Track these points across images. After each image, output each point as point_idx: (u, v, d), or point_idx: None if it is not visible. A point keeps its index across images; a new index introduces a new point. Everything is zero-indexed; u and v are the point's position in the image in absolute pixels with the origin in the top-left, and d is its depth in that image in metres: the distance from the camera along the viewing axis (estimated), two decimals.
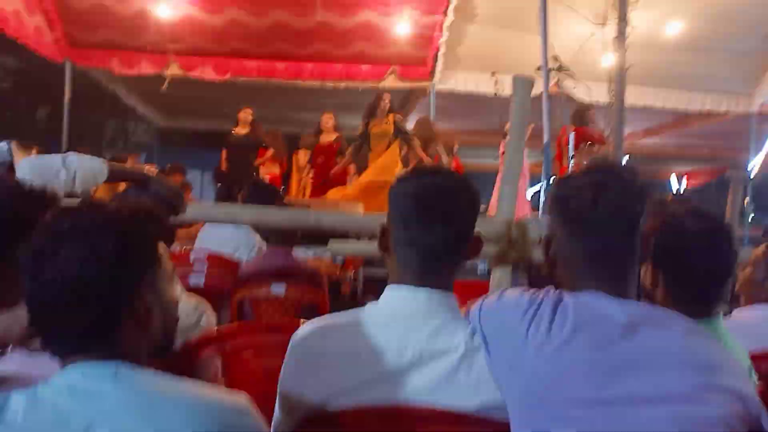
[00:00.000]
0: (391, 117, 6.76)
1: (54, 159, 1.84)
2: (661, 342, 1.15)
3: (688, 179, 15.98)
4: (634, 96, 7.80)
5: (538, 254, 2.41)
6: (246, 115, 7.40)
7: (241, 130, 7.54)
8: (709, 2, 6.65)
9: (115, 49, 8.03)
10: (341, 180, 7.21)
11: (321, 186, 7.25)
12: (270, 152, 7.87)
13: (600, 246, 1.25)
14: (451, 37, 7.64)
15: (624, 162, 5.03)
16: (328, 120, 7.45)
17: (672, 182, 16.11)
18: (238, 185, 6.96)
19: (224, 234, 3.90)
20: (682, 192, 11.68)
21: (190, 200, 5.97)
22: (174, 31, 7.70)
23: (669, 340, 1.15)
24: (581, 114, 6.45)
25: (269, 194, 3.67)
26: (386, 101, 6.81)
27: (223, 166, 7.51)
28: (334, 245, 3.00)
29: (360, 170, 6.96)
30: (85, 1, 7.37)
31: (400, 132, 6.67)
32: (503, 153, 8.16)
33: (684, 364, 1.12)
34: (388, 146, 6.65)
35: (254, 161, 7.72)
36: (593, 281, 1.24)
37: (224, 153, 7.66)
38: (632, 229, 1.25)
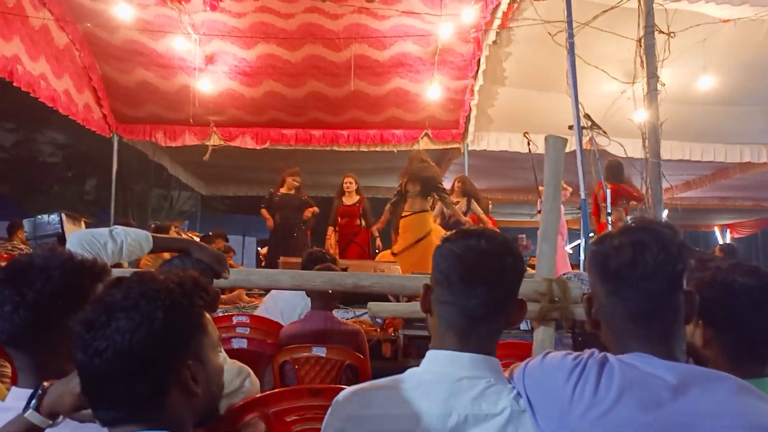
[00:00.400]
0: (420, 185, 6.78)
1: (101, 231, 1.91)
2: (713, 403, 1.10)
3: (732, 231, 15.58)
4: (669, 150, 7.76)
5: (580, 312, 2.36)
6: (293, 181, 7.47)
7: (287, 191, 7.53)
8: (738, 57, 6.65)
9: (160, 123, 8.39)
10: (363, 240, 7.42)
11: (346, 247, 7.41)
12: (314, 209, 7.66)
13: (641, 305, 1.22)
14: (482, 100, 7.77)
15: (664, 217, 4.95)
16: (350, 183, 7.57)
17: (716, 235, 15.72)
18: (286, 243, 7.15)
19: (286, 299, 3.99)
20: (727, 245, 11.38)
21: (232, 265, 6.09)
22: (215, 104, 8.03)
23: (720, 401, 1.11)
24: (615, 169, 6.41)
25: (324, 260, 3.70)
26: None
27: (270, 223, 7.49)
28: (374, 306, 3.00)
29: (395, 226, 7.00)
30: (130, 79, 7.78)
31: (434, 188, 6.70)
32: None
33: (736, 426, 1.07)
34: (421, 203, 6.69)
35: (301, 219, 7.58)
36: (637, 341, 1.21)
37: (265, 212, 7.59)
38: (674, 287, 1.22)
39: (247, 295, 5.86)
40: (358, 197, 7.60)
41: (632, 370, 1.16)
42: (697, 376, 1.16)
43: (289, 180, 7.45)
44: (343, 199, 7.57)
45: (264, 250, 8.83)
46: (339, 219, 7.54)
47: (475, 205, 7.13)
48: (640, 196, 5.97)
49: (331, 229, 7.58)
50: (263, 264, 8.12)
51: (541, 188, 8.13)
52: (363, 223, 7.50)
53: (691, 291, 1.25)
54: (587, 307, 1.32)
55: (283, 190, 7.47)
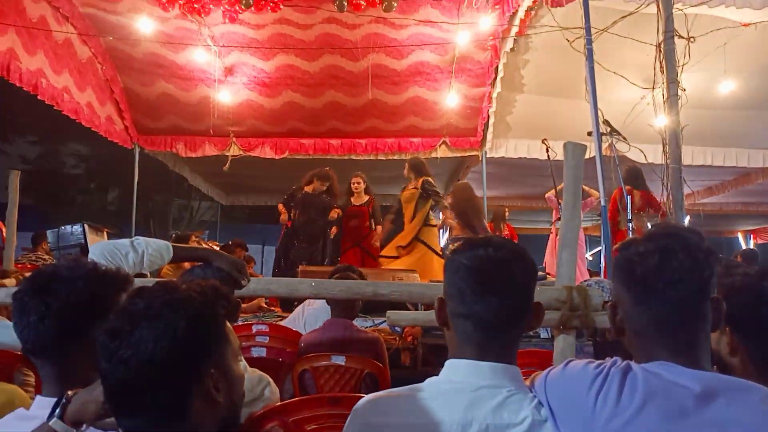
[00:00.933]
0: (419, 181, 6.82)
1: (123, 242, 1.94)
2: (738, 412, 1.09)
3: (755, 237, 15.33)
4: (691, 155, 7.68)
5: (601, 320, 2.34)
6: (321, 186, 7.11)
7: (312, 191, 7.17)
8: (759, 60, 6.56)
9: (181, 134, 8.49)
10: (372, 245, 7.15)
11: (352, 248, 7.18)
12: (338, 210, 7.25)
13: (668, 312, 1.20)
14: (500, 107, 7.75)
15: (686, 223, 4.90)
16: (358, 183, 7.33)
17: (739, 241, 15.49)
18: (310, 248, 6.87)
19: (311, 312, 4.04)
20: (749, 250, 11.20)
21: (253, 274, 6.12)
22: (235, 114, 8.11)
23: (746, 410, 1.09)
24: (638, 175, 6.35)
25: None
26: (407, 168, 6.98)
27: (284, 217, 7.13)
28: (393, 315, 2.99)
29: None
30: (152, 91, 7.89)
31: (428, 193, 6.71)
32: (557, 219, 8.09)
33: None
34: (416, 208, 6.73)
35: (326, 222, 7.17)
36: (663, 349, 1.19)
37: (282, 207, 7.27)
38: (701, 294, 1.20)
39: (265, 303, 5.88)
40: (367, 197, 7.35)
41: (656, 378, 1.15)
42: (723, 385, 1.14)
43: (316, 183, 7.10)
44: (352, 199, 7.33)
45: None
46: (347, 221, 7.27)
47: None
48: (661, 208, 5.92)
49: (336, 229, 7.23)
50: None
51: (551, 194, 8.18)
52: (373, 225, 7.26)
53: (718, 298, 1.23)
54: (612, 315, 1.31)
55: (308, 189, 7.13)
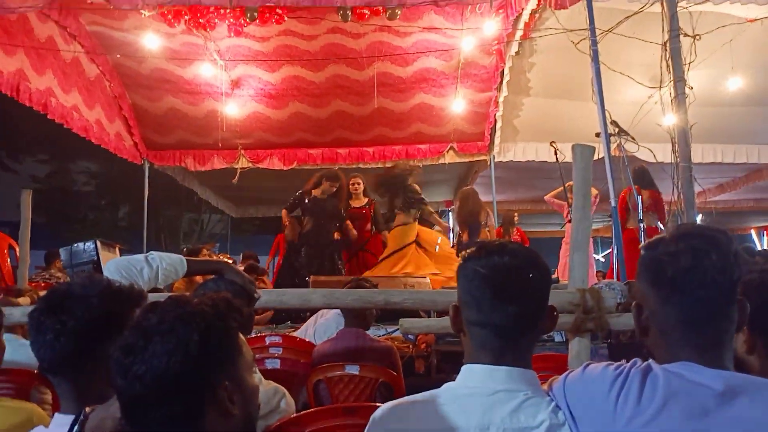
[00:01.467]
0: (396, 199, 6.73)
1: (137, 258, 1.95)
2: (761, 411, 1.08)
3: None
4: (700, 153, 7.63)
5: (615, 322, 2.33)
6: (330, 186, 6.60)
7: (320, 195, 6.65)
8: (765, 56, 6.53)
9: (189, 148, 8.56)
10: (376, 248, 6.91)
11: (353, 257, 6.93)
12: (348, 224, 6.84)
13: (697, 312, 1.19)
14: (507, 111, 7.75)
15: (698, 221, 4.86)
16: (357, 184, 6.97)
17: (752, 237, 15.36)
18: (319, 259, 6.38)
19: (321, 324, 4.04)
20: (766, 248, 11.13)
21: (266, 285, 6.11)
22: (242, 127, 8.16)
23: None
24: (642, 174, 6.31)
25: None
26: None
27: (288, 229, 6.71)
28: (405, 323, 2.99)
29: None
30: (159, 107, 7.95)
31: (412, 201, 6.62)
32: (569, 221, 8.06)
33: None
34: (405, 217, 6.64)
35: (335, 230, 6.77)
36: (688, 349, 1.19)
37: (286, 214, 6.79)
38: (730, 295, 1.20)
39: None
40: (366, 199, 7.00)
41: (677, 378, 1.14)
42: (745, 383, 1.13)
43: (325, 184, 6.57)
44: (350, 201, 6.92)
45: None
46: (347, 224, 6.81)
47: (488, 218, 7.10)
48: (663, 210, 5.90)
49: (337, 234, 6.83)
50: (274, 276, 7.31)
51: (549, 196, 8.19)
52: (374, 229, 6.97)
53: (743, 299, 1.22)
54: (637, 314, 1.29)
55: (315, 193, 6.63)
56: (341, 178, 6.73)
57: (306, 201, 6.63)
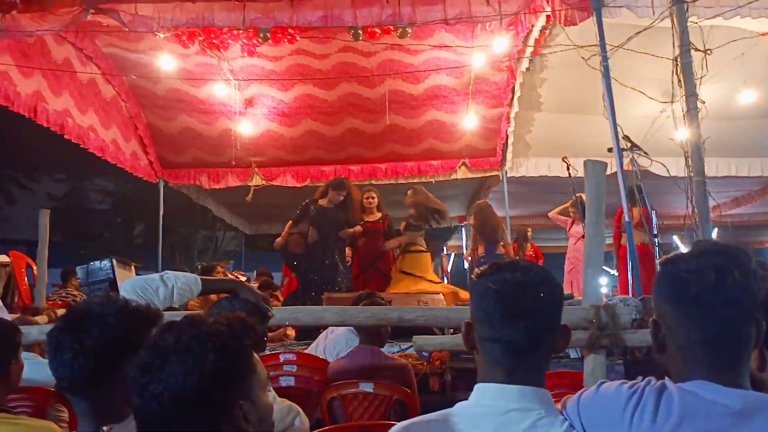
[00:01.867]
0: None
1: (153, 277, 1.97)
2: None
3: None
4: (714, 167, 7.57)
5: (631, 338, 2.31)
6: (337, 195, 6.44)
7: (327, 204, 6.52)
8: None
9: (204, 167, 8.63)
10: (387, 267, 6.88)
11: (362, 273, 6.81)
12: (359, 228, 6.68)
13: (717, 331, 1.18)
14: (519, 126, 7.75)
15: (714, 235, 4.83)
16: (372, 199, 6.91)
17: None
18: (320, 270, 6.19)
19: (332, 339, 4.03)
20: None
21: (278, 303, 6.13)
22: (256, 145, 8.23)
23: None
24: (631, 193, 6.28)
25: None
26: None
27: (281, 242, 6.50)
28: (419, 340, 2.99)
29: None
30: (174, 126, 8.05)
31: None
32: (575, 231, 8.04)
33: None
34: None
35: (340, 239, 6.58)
36: (706, 367, 1.18)
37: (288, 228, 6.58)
38: (750, 314, 1.19)
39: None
40: (380, 214, 6.93)
41: (693, 397, 1.14)
42: (762, 402, 1.12)
43: (331, 193, 6.41)
44: (364, 216, 6.80)
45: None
46: (362, 237, 6.76)
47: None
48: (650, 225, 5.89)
49: (349, 249, 6.79)
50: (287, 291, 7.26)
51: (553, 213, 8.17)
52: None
53: (760, 317, 1.21)
54: (654, 331, 1.28)
55: (322, 203, 6.47)
56: (348, 186, 6.59)
57: (312, 211, 6.43)
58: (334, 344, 4.00)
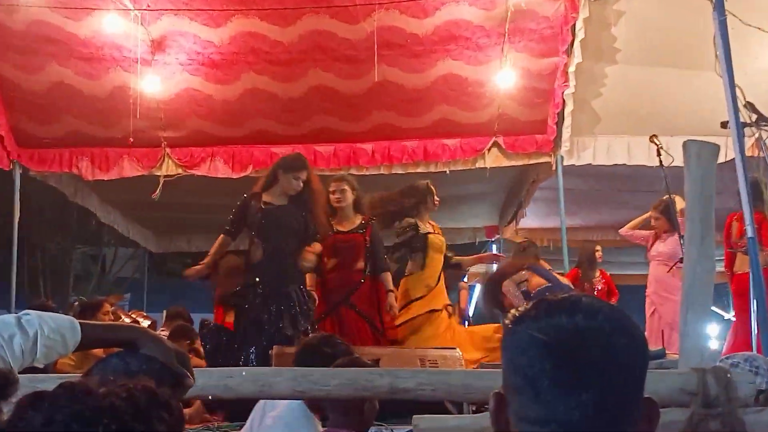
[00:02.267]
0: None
1: (6, 320, 1.96)
2: None
3: None
4: None
5: (755, 420, 2.33)
6: (294, 180, 6.25)
7: (279, 199, 6.35)
8: None
9: (85, 146, 8.60)
10: (367, 299, 6.83)
11: (332, 311, 6.74)
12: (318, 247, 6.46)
13: None
14: (581, 87, 7.77)
15: None
16: (342, 192, 6.91)
17: None
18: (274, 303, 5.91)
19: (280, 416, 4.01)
20: None
21: (200, 363, 6.10)
22: (168, 112, 8.22)
23: None
24: (754, 188, 6.37)
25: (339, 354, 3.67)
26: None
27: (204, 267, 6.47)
28: (423, 423, 2.99)
29: None
30: (39, 80, 7.95)
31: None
32: (660, 251, 8.09)
33: None
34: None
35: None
36: None
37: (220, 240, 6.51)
38: None
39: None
40: (360, 218, 6.90)
41: None
42: None
43: (285, 179, 6.27)
44: (333, 222, 6.77)
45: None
46: (325, 259, 6.66)
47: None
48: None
49: (311, 277, 6.55)
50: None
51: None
52: (368, 267, 6.76)
53: None
54: None
55: (269, 198, 6.33)
56: (308, 167, 6.50)
57: (254, 213, 6.30)
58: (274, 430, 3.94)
